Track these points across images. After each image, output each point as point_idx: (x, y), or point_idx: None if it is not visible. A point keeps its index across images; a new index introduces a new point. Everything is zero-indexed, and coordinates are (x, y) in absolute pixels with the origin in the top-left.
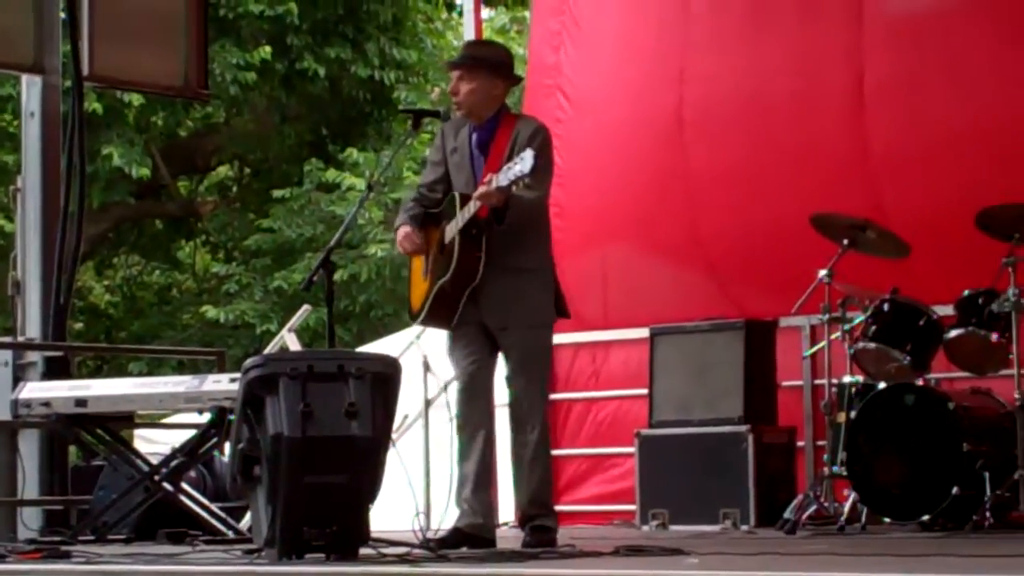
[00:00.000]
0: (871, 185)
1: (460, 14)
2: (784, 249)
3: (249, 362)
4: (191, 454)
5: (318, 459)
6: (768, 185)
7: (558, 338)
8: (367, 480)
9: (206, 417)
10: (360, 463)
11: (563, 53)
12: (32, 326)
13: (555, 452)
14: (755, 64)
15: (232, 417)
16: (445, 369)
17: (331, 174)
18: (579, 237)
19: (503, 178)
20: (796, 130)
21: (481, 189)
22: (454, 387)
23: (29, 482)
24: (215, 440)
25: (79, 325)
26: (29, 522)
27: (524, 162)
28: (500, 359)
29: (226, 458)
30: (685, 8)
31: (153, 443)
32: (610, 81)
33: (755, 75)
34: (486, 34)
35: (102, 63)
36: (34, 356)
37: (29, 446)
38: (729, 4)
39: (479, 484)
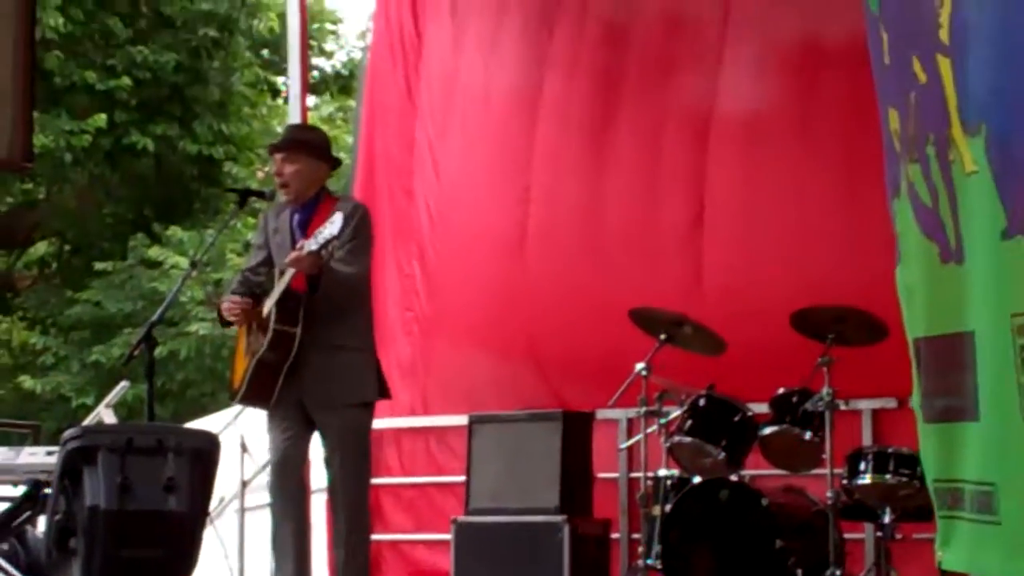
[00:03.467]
0: (695, 284)
1: (285, 100)
2: (605, 342)
3: (68, 433)
4: (4, 527)
5: (135, 532)
6: (596, 281)
7: (377, 422)
8: (183, 555)
9: (20, 490)
10: (177, 538)
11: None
12: None
13: (373, 537)
14: (597, 186)
15: (48, 490)
16: (262, 450)
17: (154, 251)
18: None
19: (313, 242)
20: (634, 242)
21: (292, 253)
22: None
23: None
24: (29, 514)
25: None
26: None
27: (333, 225)
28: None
29: (40, 532)
30: (531, 128)
31: None
32: (459, 189)
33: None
34: (312, 122)
35: None
36: None
37: None
38: (572, 122)
39: (295, 562)
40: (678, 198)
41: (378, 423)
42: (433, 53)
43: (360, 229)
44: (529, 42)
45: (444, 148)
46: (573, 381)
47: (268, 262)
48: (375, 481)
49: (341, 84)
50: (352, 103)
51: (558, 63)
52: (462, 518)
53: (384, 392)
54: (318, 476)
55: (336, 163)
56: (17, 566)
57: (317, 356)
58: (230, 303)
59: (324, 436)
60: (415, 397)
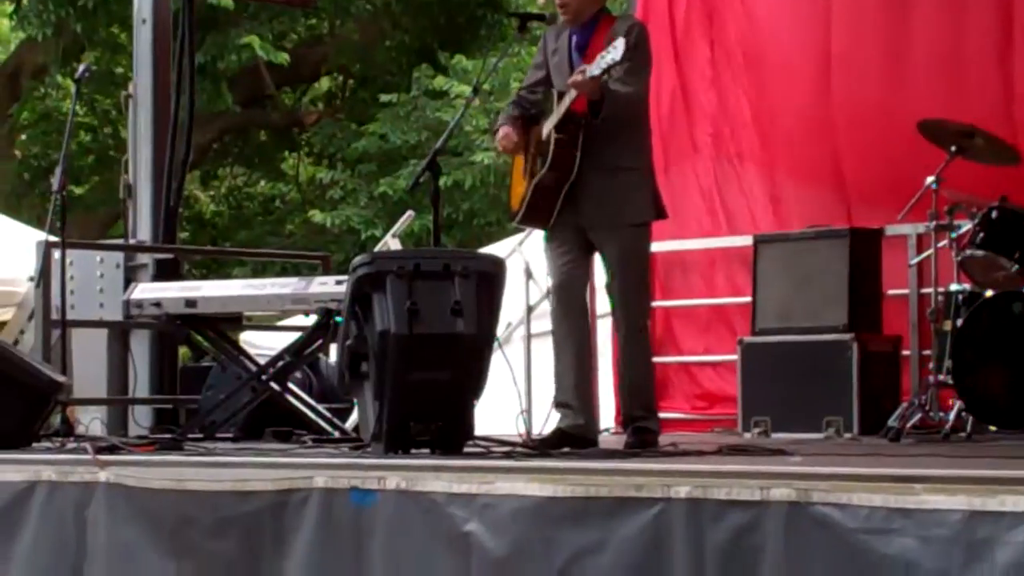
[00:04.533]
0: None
1: None
2: (896, 159)
3: (357, 260)
4: (297, 355)
5: (424, 355)
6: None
7: (657, 245)
8: (472, 377)
9: (312, 319)
10: (465, 360)
11: None
12: (143, 229)
13: (656, 359)
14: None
15: (338, 318)
16: (547, 276)
17: (439, 81)
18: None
19: (595, 67)
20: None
21: (575, 76)
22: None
23: (140, 381)
24: (320, 342)
25: (185, 234)
26: (140, 420)
27: (616, 50)
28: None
29: (331, 360)
30: None
31: (257, 347)
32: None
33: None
34: None
35: None
36: (145, 258)
37: (140, 346)
38: None
39: (578, 385)
40: (987, 17)
41: (658, 246)
42: None
43: (638, 48)
44: None
45: None
46: (865, 199)
47: (545, 82)
48: (662, 303)
49: None
50: None
51: None
52: (748, 338)
53: (661, 211)
54: (603, 302)
55: None
56: (310, 393)
57: (595, 177)
58: (503, 134)
59: (604, 258)
60: (709, 219)
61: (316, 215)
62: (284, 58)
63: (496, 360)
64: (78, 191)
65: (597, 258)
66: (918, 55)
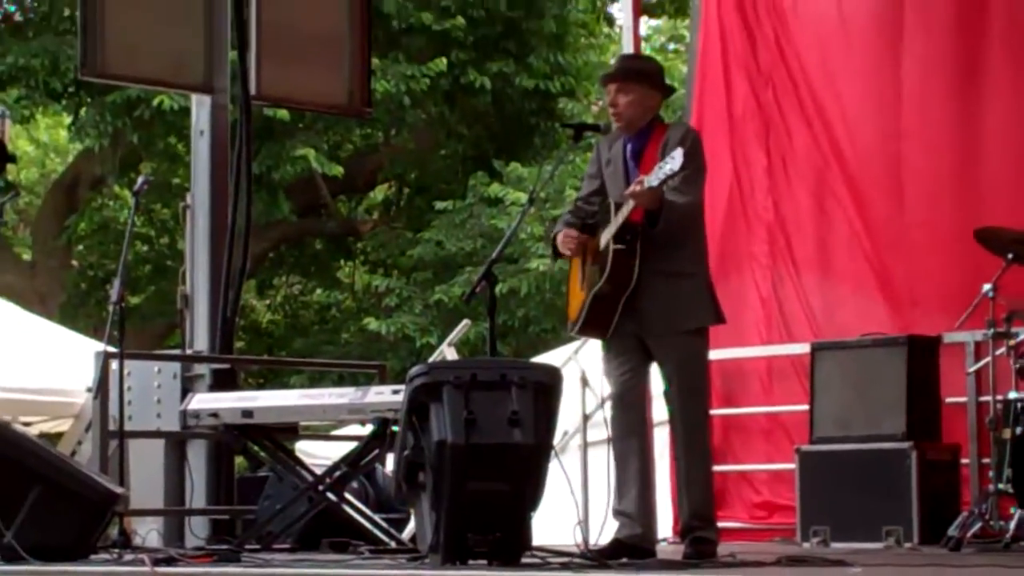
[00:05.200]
0: None
1: (619, 28)
2: (948, 264)
3: (414, 370)
4: (354, 465)
5: (481, 466)
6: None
7: (715, 353)
8: (529, 488)
9: (368, 429)
10: (523, 471)
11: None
12: (200, 339)
13: (714, 468)
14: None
15: (395, 428)
16: (603, 384)
17: (494, 188)
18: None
19: (654, 178)
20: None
21: (633, 187)
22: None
23: (196, 491)
24: (377, 452)
25: (241, 343)
26: (196, 531)
27: (674, 160)
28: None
29: (388, 470)
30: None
31: (313, 457)
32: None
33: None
34: (644, 51)
35: (269, 82)
36: (202, 368)
37: (197, 456)
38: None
39: (638, 495)
40: None
41: (716, 353)
42: None
43: (693, 156)
44: None
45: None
46: (923, 306)
47: (601, 191)
48: (720, 412)
49: (677, 5)
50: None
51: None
52: (806, 447)
53: (719, 316)
54: (660, 409)
55: (669, 91)
56: (367, 503)
57: (653, 284)
58: (564, 235)
59: (661, 365)
60: (766, 327)
61: (371, 323)
62: (338, 170)
63: (553, 469)
64: (135, 301)
65: (654, 366)
66: (986, 164)
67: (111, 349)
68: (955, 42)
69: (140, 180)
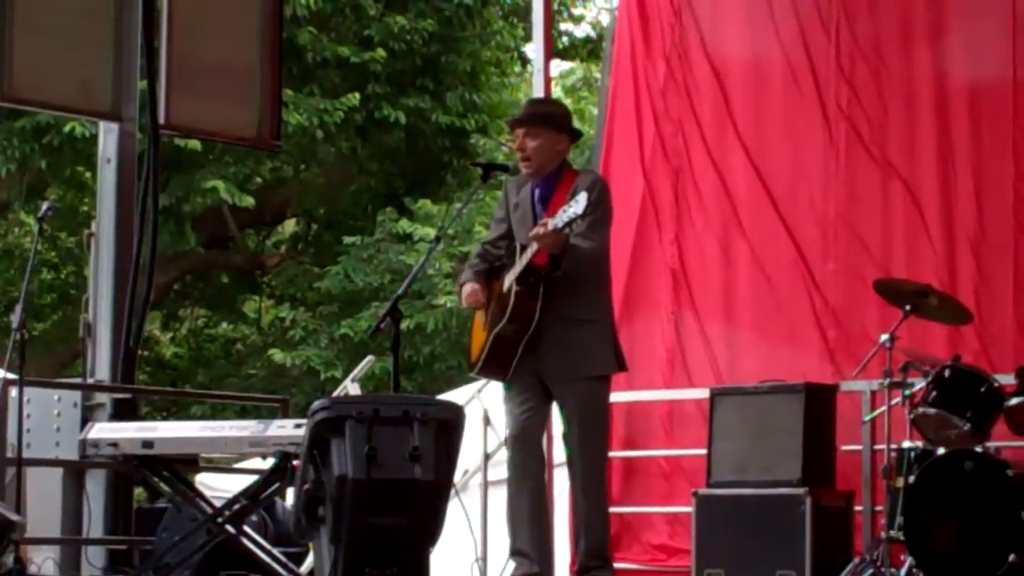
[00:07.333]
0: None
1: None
2: (852, 312)
3: (317, 404)
4: (254, 498)
5: (381, 501)
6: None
7: (616, 396)
8: (428, 523)
9: (270, 462)
10: (422, 506)
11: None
12: (102, 369)
13: (612, 509)
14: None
15: (296, 462)
16: (505, 424)
17: (403, 224)
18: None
19: (557, 220)
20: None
21: (537, 229)
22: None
23: (94, 521)
24: (278, 485)
25: (144, 376)
26: (94, 560)
27: (578, 204)
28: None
29: (288, 503)
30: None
31: (213, 490)
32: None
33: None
34: (555, 92)
35: (178, 111)
36: (103, 398)
37: (95, 486)
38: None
39: (535, 534)
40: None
41: (617, 396)
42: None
43: (599, 203)
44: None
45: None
46: (821, 355)
47: (508, 235)
48: (621, 454)
49: (590, 48)
50: (597, 74)
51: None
52: (703, 491)
53: (621, 364)
54: (559, 451)
55: (577, 136)
56: (266, 537)
57: (555, 329)
58: (471, 293)
59: (562, 409)
60: (669, 371)
61: (276, 354)
62: (249, 201)
63: (452, 507)
64: (38, 328)
65: (554, 406)
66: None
67: (11, 376)
68: (864, 89)
69: (44, 207)
